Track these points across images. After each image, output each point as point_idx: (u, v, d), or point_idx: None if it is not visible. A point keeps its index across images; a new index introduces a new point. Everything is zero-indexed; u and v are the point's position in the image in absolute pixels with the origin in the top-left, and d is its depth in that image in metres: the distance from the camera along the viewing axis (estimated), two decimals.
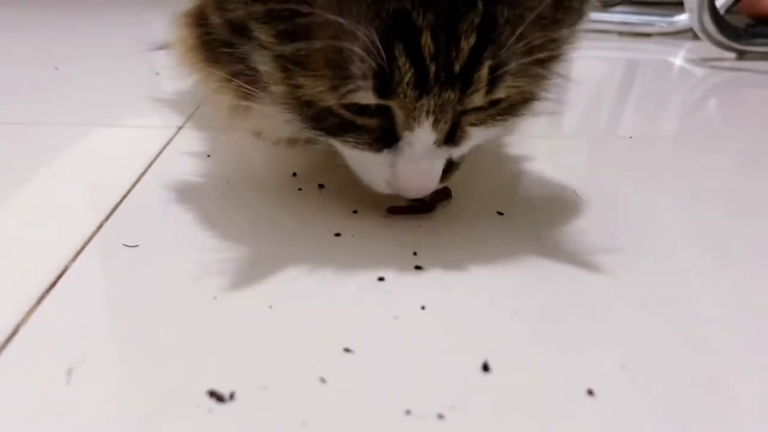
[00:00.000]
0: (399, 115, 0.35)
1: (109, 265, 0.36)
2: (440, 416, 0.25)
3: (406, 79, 0.32)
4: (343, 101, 0.34)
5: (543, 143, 0.59)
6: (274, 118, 0.43)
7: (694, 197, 0.48)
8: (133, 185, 0.46)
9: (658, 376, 0.28)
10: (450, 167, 0.39)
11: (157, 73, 0.84)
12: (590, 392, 0.27)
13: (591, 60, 1.13)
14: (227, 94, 0.42)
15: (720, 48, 1.04)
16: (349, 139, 0.37)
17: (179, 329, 0.30)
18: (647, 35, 1.27)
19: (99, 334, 0.30)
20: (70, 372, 0.27)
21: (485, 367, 0.28)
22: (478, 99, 0.34)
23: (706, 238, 0.42)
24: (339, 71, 0.33)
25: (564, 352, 0.29)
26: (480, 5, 0.31)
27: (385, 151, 0.37)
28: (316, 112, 0.36)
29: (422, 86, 0.33)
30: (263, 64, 0.36)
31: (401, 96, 0.33)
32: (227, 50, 0.38)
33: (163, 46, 0.94)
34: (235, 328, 0.30)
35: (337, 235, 0.40)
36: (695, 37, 1.05)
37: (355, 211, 0.43)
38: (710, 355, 0.30)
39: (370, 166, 0.39)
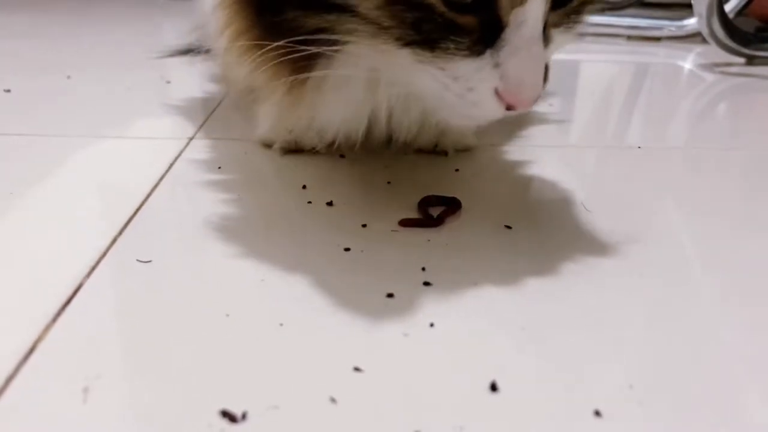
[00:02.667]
0: None
1: (123, 281, 0.36)
2: None
3: None
4: None
5: (551, 153, 0.60)
6: (333, 92, 0.44)
7: (704, 210, 0.49)
8: (146, 198, 0.46)
9: (665, 396, 0.28)
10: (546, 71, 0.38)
11: (168, 82, 0.85)
12: (597, 413, 0.27)
13: (600, 64, 1.13)
14: (283, 69, 0.41)
15: (729, 53, 1.04)
16: (450, 47, 0.36)
17: (193, 347, 0.31)
18: (657, 39, 1.27)
19: (114, 351, 0.30)
20: (86, 390, 0.27)
21: (493, 387, 0.28)
22: None
23: (718, 251, 0.42)
24: None
25: (571, 371, 0.30)
26: None
27: (488, 51, 0.36)
28: (417, 16, 0.35)
29: None
30: None
31: None
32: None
33: (174, 54, 0.95)
34: (247, 347, 0.31)
35: (347, 249, 0.40)
36: (705, 41, 1.05)
37: (364, 225, 0.43)
38: (719, 375, 0.30)
39: (474, 83, 0.37)
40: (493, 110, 0.37)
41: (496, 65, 0.36)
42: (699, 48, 1.20)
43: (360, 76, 0.44)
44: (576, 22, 0.40)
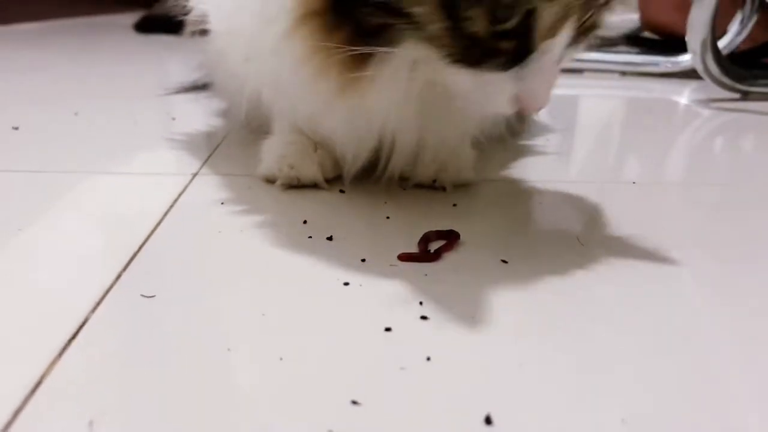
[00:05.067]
0: (544, 23, 0.41)
1: (128, 316, 0.37)
2: None
3: None
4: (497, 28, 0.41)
5: (548, 188, 0.61)
6: (387, 85, 0.48)
7: (699, 244, 0.49)
8: (150, 234, 0.48)
9: (658, 430, 0.29)
10: None
11: (173, 118, 0.87)
12: None
13: (598, 99, 1.15)
14: (343, 63, 0.45)
15: (724, 89, 1.06)
16: (485, 65, 0.43)
17: (195, 381, 0.31)
18: (652, 75, 1.29)
19: (118, 385, 0.31)
20: (91, 424, 0.28)
21: (488, 420, 0.29)
22: None
23: (712, 285, 0.43)
24: None
25: (565, 406, 0.30)
26: None
27: (515, 68, 0.43)
28: (466, 44, 0.42)
29: None
30: (422, 4, 0.42)
31: None
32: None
33: (179, 91, 0.98)
34: (247, 381, 0.31)
35: (346, 284, 0.41)
36: (699, 76, 1.06)
37: (363, 260, 0.44)
38: (713, 410, 0.30)
39: (497, 88, 0.44)
40: (508, 110, 0.46)
41: (520, 79, 0.43)
42: (694, 83, 1.21)
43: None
44: (582, 42, 0.47)
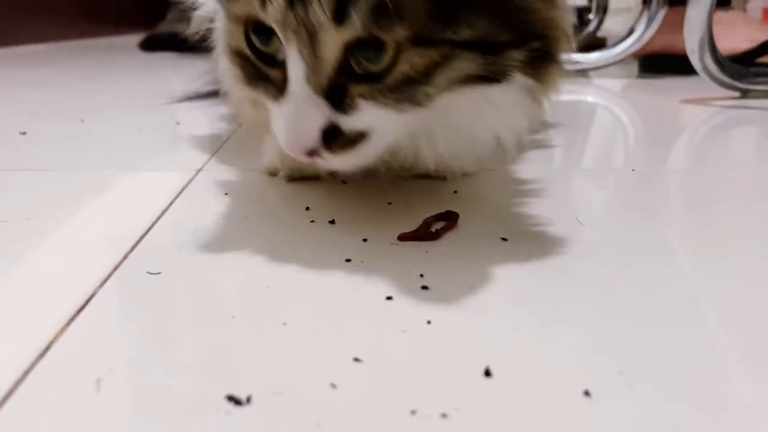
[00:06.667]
0: (280, 37, 0.39)
1: (134, 290, 0.38)
2: (444, 416, 0.27)
3: None
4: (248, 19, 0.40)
5: (547, 176, 0.61)
6: None
7: (696, 222, 0.50)
8: (156, 221, 0.48)
9: (654, 380, 0.29)
10: (337, 135, 0.41)
11: (178, 123, 0.88)
12: (587, 393, 0.28)
13: (598, 99, 1.16)
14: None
15: (723, 87, 1.06)
16: (261, 90, 0.43)
17: (199, 344, 0.32)
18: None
19: (126, 349, 0.32)
20: (99, 381, 0.29)
21: (487, 373, 0.29)
22: (326, 21, 0.37)
23: (706, 252, 0.43)
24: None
25: (563, 360, 0.31)
26: None
27: (281, 100, 0.41)
28: (241, 61, 0.43)
29: None
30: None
31: (273, 4, 0.37)
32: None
33: (182, 99, 0.99)
34: (251, 342, 0.32)
35: (348, 260, 0.42)
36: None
37: (365, 240, 0.45)
38: (706, 365, 0.31)
39: (276, 121, 0.43)
40: (285, 149, 0.43)
41: (277, 115, 0.42)
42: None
43: None
44: (401, 101, 0.41)
